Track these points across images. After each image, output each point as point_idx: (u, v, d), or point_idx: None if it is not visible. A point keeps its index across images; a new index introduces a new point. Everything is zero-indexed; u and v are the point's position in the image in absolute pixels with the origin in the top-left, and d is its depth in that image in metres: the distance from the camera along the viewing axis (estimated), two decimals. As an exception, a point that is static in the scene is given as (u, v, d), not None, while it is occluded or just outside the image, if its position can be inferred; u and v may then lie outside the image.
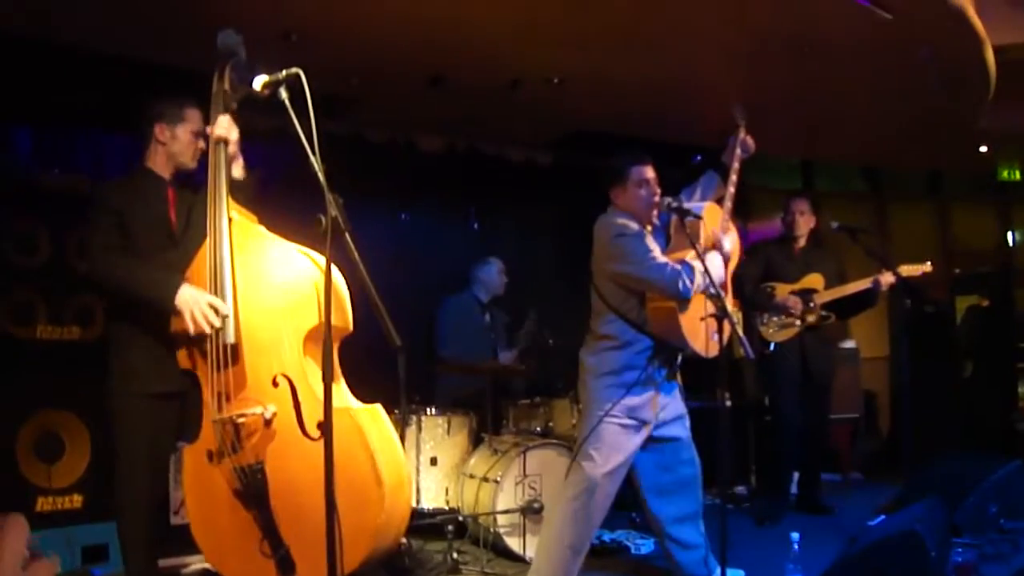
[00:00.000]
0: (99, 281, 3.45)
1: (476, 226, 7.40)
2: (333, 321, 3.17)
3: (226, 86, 3.45)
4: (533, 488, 5.10)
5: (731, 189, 4.35)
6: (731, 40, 5.46)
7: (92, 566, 4.53)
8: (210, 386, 3.29)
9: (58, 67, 5.14)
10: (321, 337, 3.23)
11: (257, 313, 3.30)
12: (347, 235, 2.90)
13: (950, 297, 9.47)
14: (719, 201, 4.35)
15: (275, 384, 3.23)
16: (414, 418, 5.45)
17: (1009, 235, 10.07)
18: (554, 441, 5.33)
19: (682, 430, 4.28)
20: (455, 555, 4.93)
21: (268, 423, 3.22)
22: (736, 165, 4.38)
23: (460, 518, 5.24)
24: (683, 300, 3.98)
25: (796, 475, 6.46)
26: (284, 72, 3.06)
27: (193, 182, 3.69)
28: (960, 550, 4.69)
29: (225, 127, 3.44)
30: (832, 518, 6.13)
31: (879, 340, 8.94)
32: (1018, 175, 9.50)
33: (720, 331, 3.96)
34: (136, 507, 3.50)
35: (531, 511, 5.01)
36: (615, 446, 4.05)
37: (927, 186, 10.00)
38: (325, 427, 2.72)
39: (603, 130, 7.13)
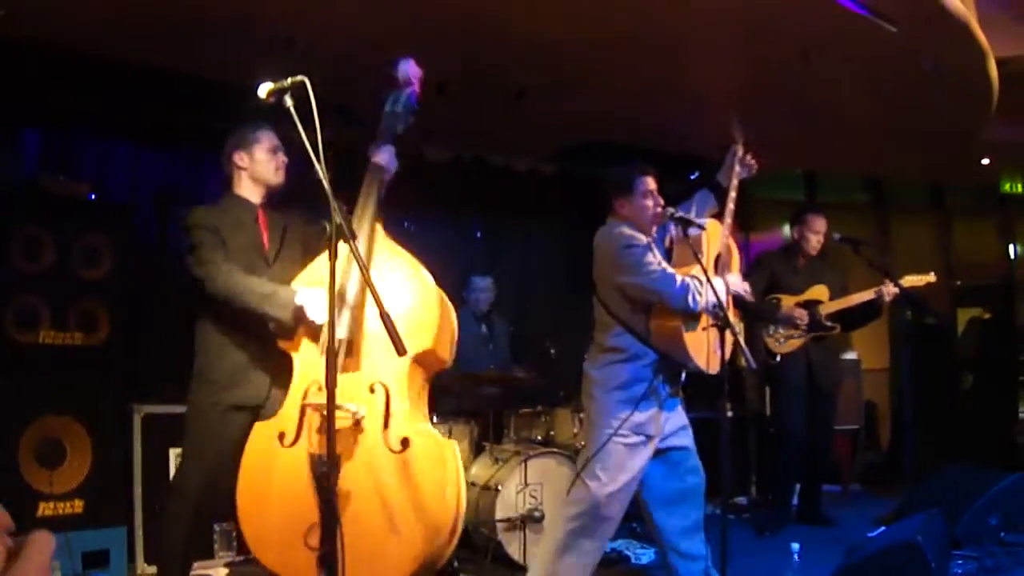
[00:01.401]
0: (218, 290, 3.51)
1: (480, 235, 7.42)
2: (438, 350, 3.49)
3: (399, 109, 3.67)
4: (534, 497, 5.10)
5: (731, 206, 4.33)
6: (736, 51, 5.48)
7: (92, 571, 4.53)
8: (305, 370, 3.41)
9: (65, 73, 5.17)
10: (428, 364, 3.51)
11: (377, 321, 3.34)
12: (352, 243, 2.91)
13: (951, 309, 9.49)
14: (718, 219, 4.35)
15: (372, 390, 3.33)
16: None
17: (1011, 248, 10.07)
18: (555, 450, 5.33)
19: (686, 440, 4.26)
20: (455, 563, 4.92)
21: (357, 423, 3.29)
22: (735, 183, 4.37)
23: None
24: (689, 316, 3.98)
25: (797, 486, 6.45)
26: (289, 80, 3.07)
27: (283, 206, 3.84)
28: (960, 562, 4.70)
29: (387, 157, 3.65)
30: (832, 529, 6.12)
31: (880, 351, 8.94)
32: (1020, 188, 9.52)
33: (722, 346, 3.96)
34: (184, 513, 3.60)
35: (532, 520, 5.01)
36: (622, 465, 4.02)
37: (929, 198, 10.00)
38: (328, 431, 2.73)
39: (608, 141, 7.15)
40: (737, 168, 4.39)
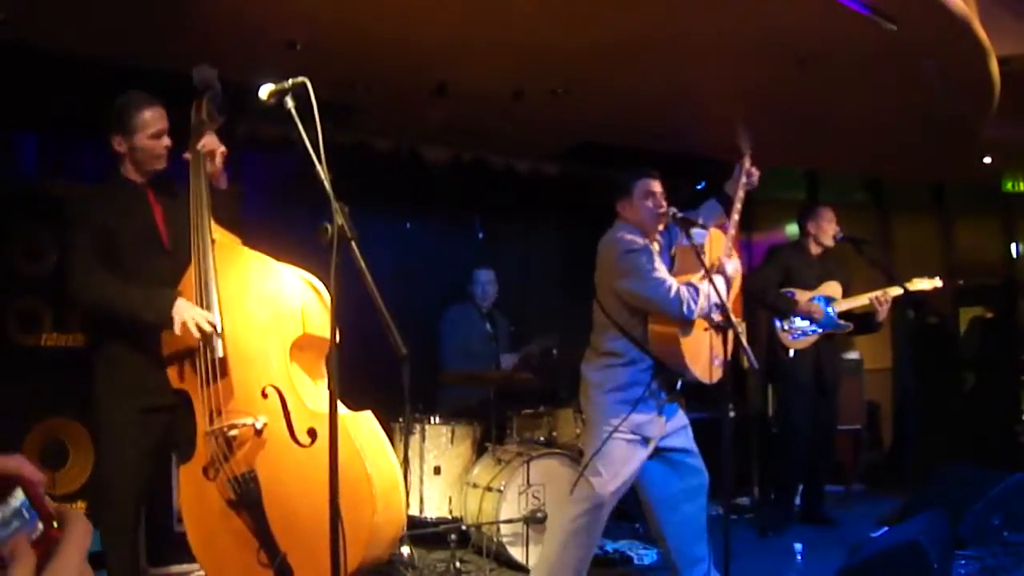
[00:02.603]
0: (86, 305, 3.43)
1: (481, 236, 7.42)
2: (318, 330, 3.30)
3: (204, 116, 3.48)
4: (537, 498, 5.09)
5: (735, 217, 4.32)
6: (736, 51, 5.47)
7: (95, 572, 4.53)
8: (201, 401, 3.30)
9: (64, 76, 5.16)
10: (307, 346, 3.34)
11: (242, 327, 3.34)
12: (353, 243, 2.91)
13: (954, 309, 9.49)
14: (722, 228, 4.34)
15: (264, 395, 3.26)
16: (418, 427, 5.45)
17: (1013, 247, 10.06)
18: (558, 451, 5.33)
19: (687, 441, 4.26)
20: (458, 564, 4.93)
21: (259, 433, 3.24)
22: (741, 194, 4.34)
23: (463, 527, 5.24)
24: (686, 323, 3.98)
25: (800, 486, 6.45)
26: (290, 81, 3.08)
27: (176, 186, 3.62)
28: (963, 562, 4.69)
29: (211, 140, 3.44)
30: (835, 529, 6.13)
31: (882, 351, 8.93)
32: (1022, 186, 9.50)
33: (725, 354, 3.94)
34: (120, 521, 3.49)
35: (535, 521, 5.01)
36: (623, 462, 4.04)
37: (931, 197, 9.98)
38: (331, 437, 2.72)
39: (609, 141, 7.15)
40: (743, 180, 4.39)
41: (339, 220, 2.85)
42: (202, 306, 3.30)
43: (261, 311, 3.33)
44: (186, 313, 3.25)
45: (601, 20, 4.93)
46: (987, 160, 8.57)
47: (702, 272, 3.88)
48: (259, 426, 3.23)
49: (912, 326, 8.49)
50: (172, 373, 3.43)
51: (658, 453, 4.17)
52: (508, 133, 6.96)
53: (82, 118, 5.46)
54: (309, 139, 2.90)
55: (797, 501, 6.43)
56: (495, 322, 6.71)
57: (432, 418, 5.59)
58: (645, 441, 4.07)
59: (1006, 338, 9.10)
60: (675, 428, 4.23)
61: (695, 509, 4.24)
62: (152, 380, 3.45)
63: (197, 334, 3.24)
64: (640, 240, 4.10)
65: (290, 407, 3.22)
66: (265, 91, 3.13)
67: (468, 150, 7.42)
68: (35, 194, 4.82)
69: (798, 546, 4.54)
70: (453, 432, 5.59)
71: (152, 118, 3.54)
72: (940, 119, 6.83)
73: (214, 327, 3.26)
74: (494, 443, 5.59)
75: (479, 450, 5.71)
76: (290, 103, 3.06)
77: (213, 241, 3.39)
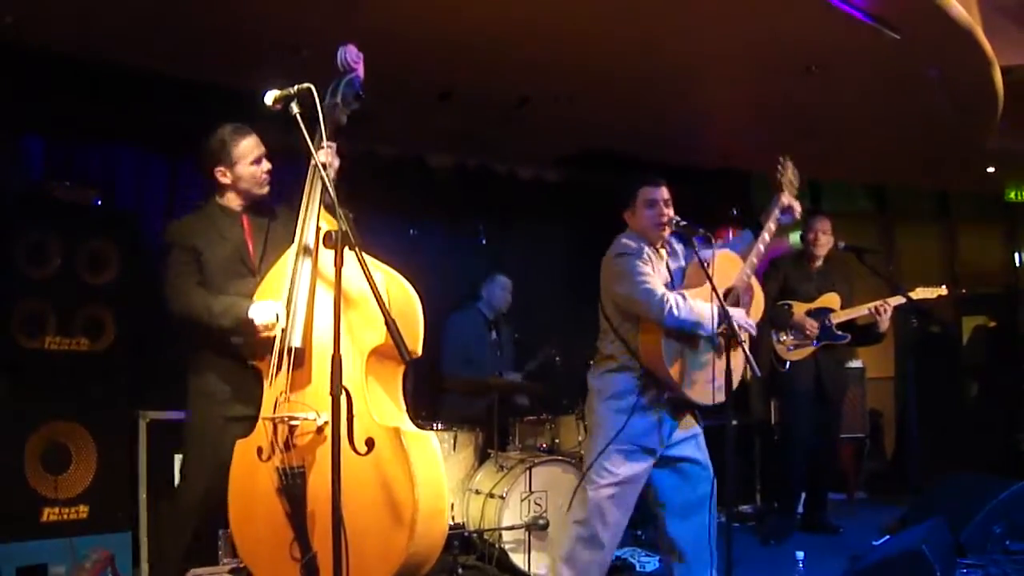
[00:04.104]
0: (178, 316, 3.52)
1: (485, 242, 7.42)
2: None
3: (338, 99, 3.41)
4: (539, 504, 5.10)
5: (760, 247, 4.26)
6: (740, 60, 5.49)
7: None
8: (269, 384, 3.36)
9: (72, 79, 5.18)
10: (387, 356, 3.33)
11: (329, 324, 3.31)
12: (357, 249, 2.91)
13: (956, 317, 9.48)
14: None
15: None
16: (420, 433, 5.44)
17: (1016, 256, 10.06)
18: (560, 458, 5.33)
19: (696, 450, 4.20)
20: (460, 570, 4.93)
21: (319, 430, 3.25)
22: (772, 227, 4.30)
23: (465, 534, 5.25)
24: (672, 333, 3.94)
25: (802, 495, 6.44)
26: (296, 87, 3.09)
27: (268, 206, 3.75)
28: (965, 571, 4.69)
29: (328, 154, 3.41)
30: (837, 537, 6.12)
31: (885, 360, 8.92)
32: (1025, 196, 9.52)
33: (728, 380, 3.88)
34: (184, 524, 3.59)
35: (536, 527, 5.00)
36: (618, 471, 4.01)
37: (934, 207, 9.99)
38: (332, 437, 2.74)
39: (612, 148, 7.16)
40: (777, 213, 4.36)
41: (343, 226, 2.86)
42: (288, 296, 3.34)
43: (350, 310, 3.30)
44: (256, 309, 3.35)
45: (607, 28, 4.94)
46: (991, 170, 8.58)
47: (709, 287, 3.85)
48: (320, 423, 3.24)
49: (915, 335, 8.48)
50: (251, 352, 3.48)
51: (667, 462, 4.14)
52: (512, 140, 6.98)
53: (89, 121, 5.49)
54: (314, 145, 2.92)
55: (799, 509, 6.43)
56: (499, 330, 6.70)
57: (434, 424, 5.58)
58: (645, 451, 4.05)
59: (1009, 347, 9.09)
60: (683, 437, 4.17)
61: (704, 518, 4.18)
62: (236, 388, 3.55)
63: (265, 333, 3.32)
64: (635, 244, 4.08)
65: (355, 412, 3.21)
66: (271, 97, 3.15)
67: (472, 157, 7.43)
68: (40, 197, 4.83)
69: (800, 554, 4.52)
70: (455, 438, 5.58)
71: (250, 146, 3.63)
72: (944, 128, 6.84)
73: (282, 323, 3.31)
74: (496, 450, 5.59)
75: (481, 456, 5.70)
76: (295, 109, 3.08)
77: (319, 229, 3.39)
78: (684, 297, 3.92)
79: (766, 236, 4.29)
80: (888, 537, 5.09)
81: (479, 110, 6.17)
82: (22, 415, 4.47)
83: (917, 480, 7.89)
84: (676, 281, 4.21)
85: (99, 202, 4.99)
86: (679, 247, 4.32)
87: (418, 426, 5.31)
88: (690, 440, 4.20)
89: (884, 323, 5.89)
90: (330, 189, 3.04)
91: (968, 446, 8.17)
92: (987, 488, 5.28)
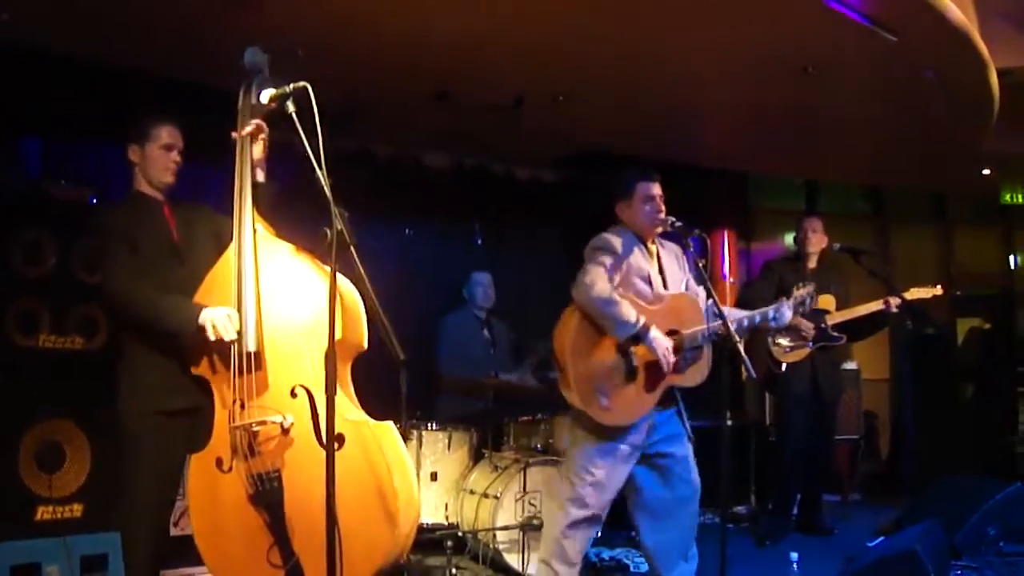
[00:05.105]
0: (120, 310, 3.46)
1: (480, 242, 7.42)
2: (349, 337, 3.28)
3: (252, 101, 3.41)
4: (533, 504, 5.09)
5: (744, 323, 4.24)
6: (737, 61, 5.49)
7: (91, 576, 4.53)
8: (230, 391, 3.29)
9: (67, 80, 5.17)
10: (344, 352, 3.30)
11: (280, 324, 3.32)
12: (352, 249, 2.91)
13: (951, 319, 9.50)
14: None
15: (293, 395, 3.25)
16: (415, 433, 5.44)
17: (1011, 258, 10.08)
18: (554, 458, 5.32)
19: (679, 448, 4.12)
20: (454, 571, 4.93)
21: (286, 432, 3.23)
22: (770, 314, 4.28)
23: (459, 534, 5.24)
24: (585, 313, 3.90)
25: (797, 496, 6.44)
26: (291, 86, 3.09)
27: (184, 198, 3.70)
28: (959, 572, 4.70)
29: (255, 124, 3.41)
30: (832, 539, 6.12)
31: (880, 361, 8.94)
32: (1021, 198, 9.52)
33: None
34: (140, 525, 3.46)
35: (531, 527, 4.99)
36: (594, 461, 3.97)
37: (930, 208, 10.01)
38: (328, 438, 2.74)
39: (607, 149, 7.16)
40: (775, 314, 4.30)
41: (338, 226, 2.86)
42: (237, 298, 3.30)
43: (300, 310, 3.30)
44: (214, 318, 3.26)
45: (604, 30, 4.95)
46: (986, 172, 8.59)
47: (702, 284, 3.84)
48: (287, 424, 3.22)
49: (910, 336, 8.48)
50: (200, 363, 3.41)
51: (647, 459, 4.08)
52: (509, 140, 6.98)
53: (86, 121, 5.47)
54: (309, 144, 2.92)
55: (794, 510, 6.43)
56: (493, 329, 6.70)
57: (429, 424, 5.58)
58: (625, 445, 3.99)
59: (1004, 349, 9.12)
60: (668, 435, 4.11)
61: (681, 521, 4.10)
62: (172, 384, 3.46)
63: (226, 336, 3.24)
64: (615, 241, 4.05)
65: (318, 409, 3.19)
66: (266, 95, 3.15)
67: (469, 157, 7.44)
68: (37, 196, 4.83)
69: (795, 555, 4.54)
70: (450, 438, 5.58)
71: (167, 132, 3.61)
72: (940, 130, 6.85)
73: (237, 330, 3.25)
74: (491, 449, 5.59)
75: (476, 456, 5.70)
76: (291, 107, 3.08)
77: (255, 231, 3.39)
78: (624, 303, 3.86)
79: (757, 318, 4.26)
80: (883, 538, 5.10)
81: (476, 110, 6.16)
82: (16, 413, 4.46)
83: (912, 482, 7.86)
84: (694, 273, 4.21)
85: (95, 201, 4.98)
86: (671, 245, 4.30)
87: (412, 426, 5.37)
88: (675, 439, 4.13)
89: (893, 306, 5.88)
90: (326, 190, 3.03)
91: (963, 448, 8.19)
92: (982, 490, 5.29)
